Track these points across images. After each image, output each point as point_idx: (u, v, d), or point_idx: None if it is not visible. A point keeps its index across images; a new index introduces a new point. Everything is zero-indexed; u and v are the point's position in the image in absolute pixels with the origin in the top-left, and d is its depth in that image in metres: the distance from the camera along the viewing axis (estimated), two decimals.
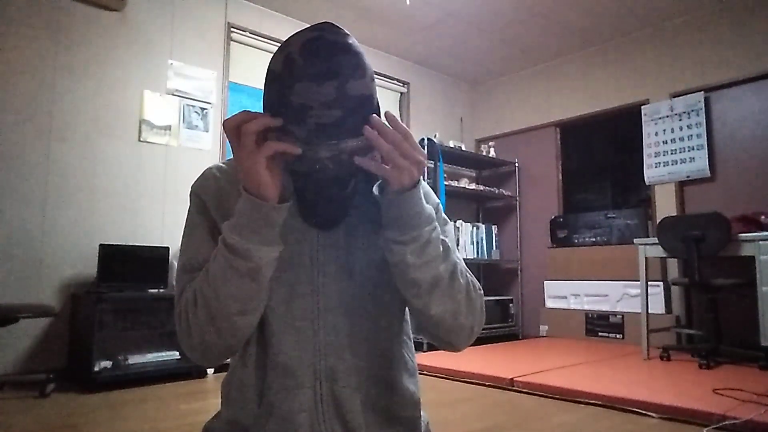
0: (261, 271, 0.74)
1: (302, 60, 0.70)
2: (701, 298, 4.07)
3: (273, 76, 0.74)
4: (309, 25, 0.75)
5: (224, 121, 0.72)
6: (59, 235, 3.26)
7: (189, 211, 0.88)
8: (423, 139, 4.87)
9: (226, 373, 0.91)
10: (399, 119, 0.73)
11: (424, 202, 0.78)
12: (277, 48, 0.77)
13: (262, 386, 0.83)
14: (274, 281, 0.80)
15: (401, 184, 0.73)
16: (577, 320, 4.89)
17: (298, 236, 0.84)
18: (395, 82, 5.36)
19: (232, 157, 0.84)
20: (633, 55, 4.86)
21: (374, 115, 0.73)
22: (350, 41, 0.73)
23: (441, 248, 0.80)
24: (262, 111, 0.78)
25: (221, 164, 0.90)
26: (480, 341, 4.42)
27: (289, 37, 0.75)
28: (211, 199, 0.85)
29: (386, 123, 0.73)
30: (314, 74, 0.69)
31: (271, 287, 0.80)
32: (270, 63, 0.76)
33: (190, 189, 0.89)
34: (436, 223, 0.80)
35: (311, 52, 0.70)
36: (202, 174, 0.89)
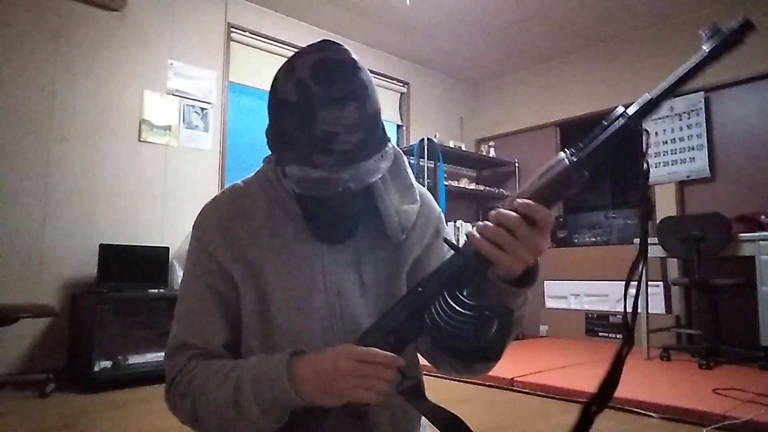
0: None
1: (318, 86, 0.68)
2: (701, 298, 4.07)
3: (286, 106, 0.71)
4: (306, 46, 0.72)
5: (375, 353, 0.67)
6: (59, 235, 3.26)
7: (189, 258, 0.85)
8: (423, 139, 4.86)
9: None
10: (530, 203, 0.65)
11: (526, 297, 0.73)
12: (280, 69, 0.74)
13: None
14: (289, 310, 0.79)
15: (511, 271, 0.68)
16: (577, 320, 4.89)
17: (309, 260, 0.82)
18: (395, 82, 5.36)
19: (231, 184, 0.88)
20: (633, 55, 4.86)
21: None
22: (354, 57, 0.72)
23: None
24: (268, 139, 0.78)
25: (214, 200, 0.87)
26: None
27: (291, 61, 0.72)
28: (215, 240, 0.82)
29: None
30: (335, 99, 0.68)
31: (286, 316, 0.79)
32: (276, 91, 0.73)
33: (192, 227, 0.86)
34: (527, 303, 0.76)
35: (325, 75, 0.69)
36: (199, 216, 0.86)
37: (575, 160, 0.64)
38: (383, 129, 0.77)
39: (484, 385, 3.14)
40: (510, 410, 2.61)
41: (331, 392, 0.67)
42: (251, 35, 4.30)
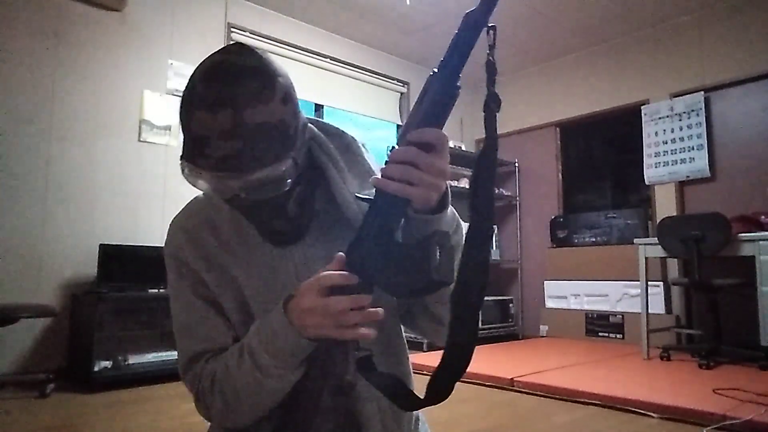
0: (289, 385, 0.74)
1: (201, 87, 0.67)
2: (701, 298, 4.07)
3: (181, 100, 0.71)
4: (223, 47, 0.72)
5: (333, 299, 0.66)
6: (59, 235, 3.26)
7: (169, 277, 0.87)
8: None
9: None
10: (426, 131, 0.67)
11: (451, 215, 0.75)
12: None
13: (273, 415, 0.79)
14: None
15: (427, 201, 0.68)
16: (577, 320, 4.89)
17: (279, 262, 0.82)
18: (395, 82, 5.36)
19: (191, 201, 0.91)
20: (633, 55, 4.86)
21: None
22: (256, 64, 0.68)
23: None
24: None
25: (179, 215, 0.91)
26: (480, 341, 4.38)
27: (204, 59, 0.71)
28: (188, 253, 0.84)
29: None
30: (210, 103, 0.66)
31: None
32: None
33: (164, 252, 0.88)
34: (462, 229, 0.77)
35: (211, 78, 0.67)
36: (167, 234, 0.89)
37: (441, 75, 0.67)
38: (284, 140, 0.70)
39: (484, 385, 3.14)
40: (510, 410, 2.61)
41: (308, 326, 0.68)
42: (251, 35, 4.30)
